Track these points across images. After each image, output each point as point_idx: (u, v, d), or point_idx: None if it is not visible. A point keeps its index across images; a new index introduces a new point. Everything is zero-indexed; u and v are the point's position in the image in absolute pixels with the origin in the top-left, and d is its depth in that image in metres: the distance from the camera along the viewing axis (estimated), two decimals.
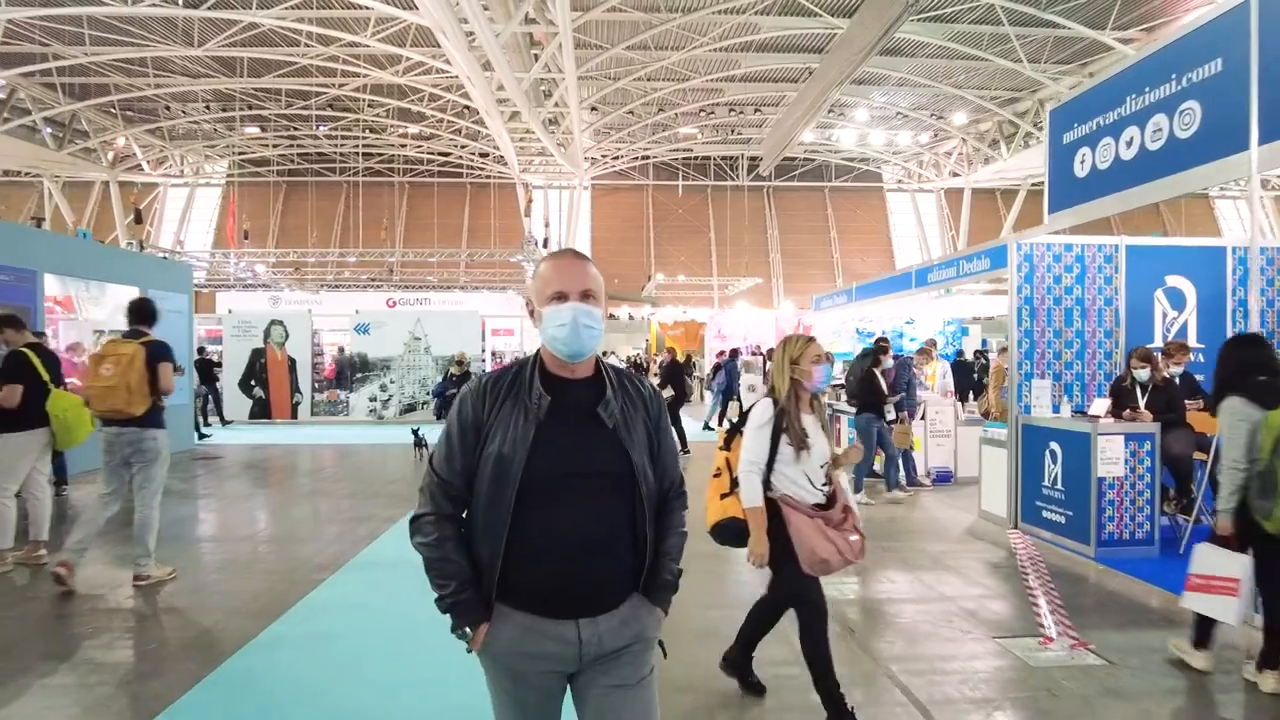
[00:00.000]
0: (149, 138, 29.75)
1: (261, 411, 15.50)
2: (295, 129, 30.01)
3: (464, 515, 1.82)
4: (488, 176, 35.07)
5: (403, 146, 32.21)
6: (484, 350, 17.93)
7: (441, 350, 15.91)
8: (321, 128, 29.79)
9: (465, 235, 35.74)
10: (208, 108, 27.35)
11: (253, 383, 15.32)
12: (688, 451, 11.30)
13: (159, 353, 5.14)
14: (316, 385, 15.59)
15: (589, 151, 31.06)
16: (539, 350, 1.87)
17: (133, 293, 9.46)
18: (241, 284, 29.79)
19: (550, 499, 1.72)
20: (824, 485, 3.27)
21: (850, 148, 33.20)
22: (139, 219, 26.94)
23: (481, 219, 36.02)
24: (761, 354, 13.56)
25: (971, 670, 3.84)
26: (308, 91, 25.53)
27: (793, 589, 3.24)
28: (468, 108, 24.83)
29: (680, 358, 16.72)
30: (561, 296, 1.78)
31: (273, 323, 14.80)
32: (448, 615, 1.76)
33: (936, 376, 9.85)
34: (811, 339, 3.32)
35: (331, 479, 9.79)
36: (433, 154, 33.05)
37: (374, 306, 24.32)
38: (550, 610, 1.74)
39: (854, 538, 3.20)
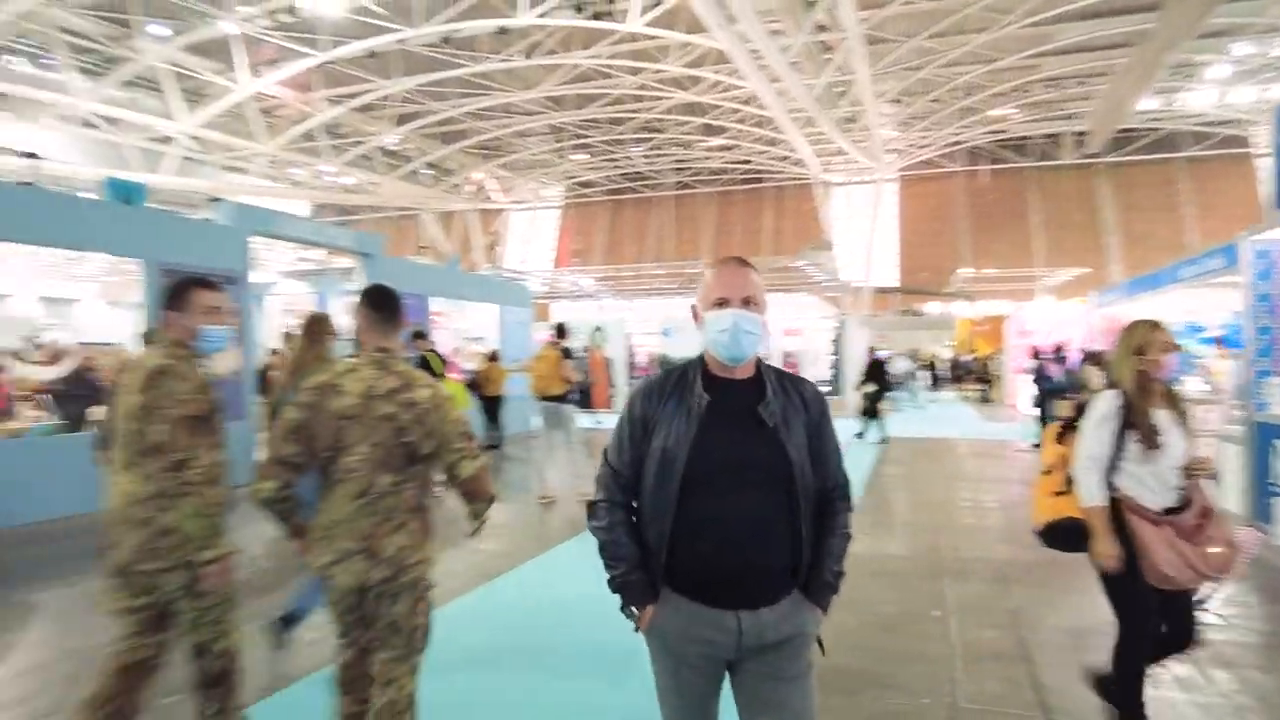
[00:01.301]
0: (500, 171, 34.98)
1: (584, 402, 18.00)
2: (615, 152, 33.30)
3: (634, 503, 1.95)
4: (788, 179, 35.80)
5: (708, 159, 34.15)
6: (768, 350, 18.87)
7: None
8: (637, 149, 32.71)
9: (767, 239, 36.82)
10: (543, 140, 31.52)
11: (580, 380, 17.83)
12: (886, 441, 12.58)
13: (565, 356, 7.91)
14: (631, 381, 17.86)
15: (892, 144, 30.40)
16: (703, 353, 1.97)
17: (491, 308, 12.30)
18: (570, 295, 33.80)
19: (711, 490, 1.81)
20: (1179, 487, 2.89)
21: (1206, 110, 28.53)
22: (494, 245, 31.97)
23: (785, 220, 36.83)
24: (1056, 354, 12.40)
25: None
26: (623, 117, 28.28)
27: (1121, 600, 2.93)
28: (765, 117, 25.82)
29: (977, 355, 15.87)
30: (724, 303, 1.87)
31: (595, 328, 16.97)
32: (618, 595, 1.90)
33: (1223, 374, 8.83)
34: (1157, 324, 2.96)
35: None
36: (735, 163, 34.58)
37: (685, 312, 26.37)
38: (711, 598, 1.83)
39: (1214, 549, 2.79)
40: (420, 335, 8.81)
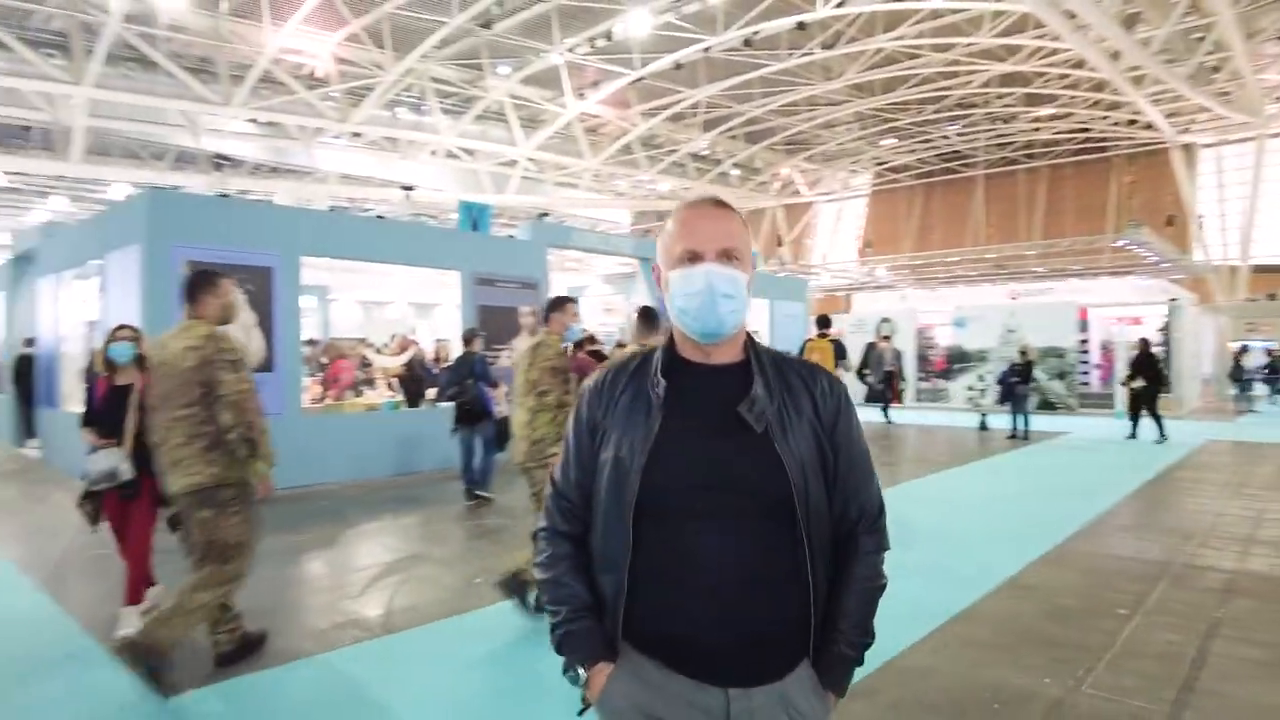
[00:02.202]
0: (805, 164, 35.10)
1: (872, 397, 17.59)
2: (928, 133, 31.67)
3: (585, 533, 1.51)
4: (1137, 146, 31.15)
5: (1036, 130, 31.00)
6: (1084, 341, 16.90)
7: (1034, 343, 15.69)
8: (951, 127, 30.80)
9: (1110, 215, 32.40)
10: (849, 129, 31.02)
11: (866, 371, 17.45)
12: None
13: (837, 347, 8.66)
14: (922, 375, 17.06)
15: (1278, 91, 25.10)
16: (671, 330, 1.51)
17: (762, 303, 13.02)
18: (868, 287, 32.95)
19: (681, 518, 1.38)
20: None
21: None
22: (779, 243, 32.30)
23: (1134, 193, 32.11)
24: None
25: None
26: (934, 97, 26.85)
27: None
28: (1102, 79, 22.93)
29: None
30: (693, 257, 1.41)
31: (882, 319, 16.59)
32: (560, 654, 1.48)
33: None
34: None
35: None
36: (1068, 133, 30.96)
37: (998, 300, 24.41)
38: (689, 667, 1.38)
39: None
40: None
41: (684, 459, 1.39)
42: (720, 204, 1.48)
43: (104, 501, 4.34)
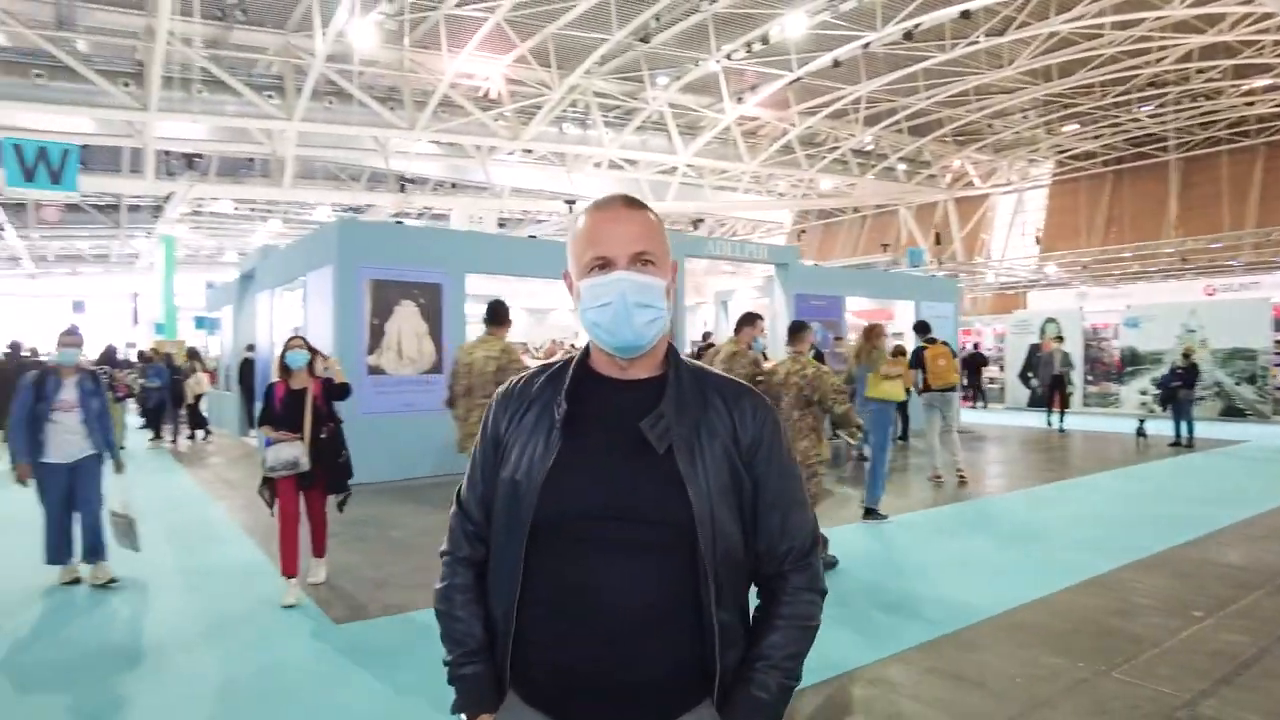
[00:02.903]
0: (978, 155, 33.38)
1: (1035, 401, 16.70)
2: (1116, 116, 29.23)
3: (488, 557, 1.41)
4: None
5: (1249, 105, 27.75)
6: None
7: (1219, 343, 14.26)
8: (1144, 108, 28.26)
9: None
10: (1025, 116, 29.23)
11: (1030, 374, 16.62)
12: None
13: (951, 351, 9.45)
14: (1090, 379, 15.97)
15: None
16: (589, 342, 1.42)
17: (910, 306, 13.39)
18: (1038, 284, 30.79)
19: (576, 547, 1.29)
20: None
21: None
22: (938, 240, 30.92)
23: None
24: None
25: None
26: (1122, 78, 24.82)
27: None
28: None
29: None
30: (604, 264, 1.31)
31: (1047, 320, 15.79)
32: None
33: None
34: None
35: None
36: None
37: (1190, 296, 22.24)
38: (576, 713, 1.30)
39: None
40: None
41: (584, 483, 1.29)
42: (632, 203, 1.36)
43: (278, 486, 5.23)
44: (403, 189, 21.90)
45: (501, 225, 30.82)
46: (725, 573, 1.29)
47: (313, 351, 5.43)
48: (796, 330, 6.02)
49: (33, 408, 5.50)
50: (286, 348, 5.41)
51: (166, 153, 21.47)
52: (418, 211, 28.70)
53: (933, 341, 9.20)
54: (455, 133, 21.52)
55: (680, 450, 1.29)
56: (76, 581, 5.67)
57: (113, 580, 5.61)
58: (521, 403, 1.40)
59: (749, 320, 6.22)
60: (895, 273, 22.37)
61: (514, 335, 17.12)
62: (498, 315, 5.92)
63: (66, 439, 5.58)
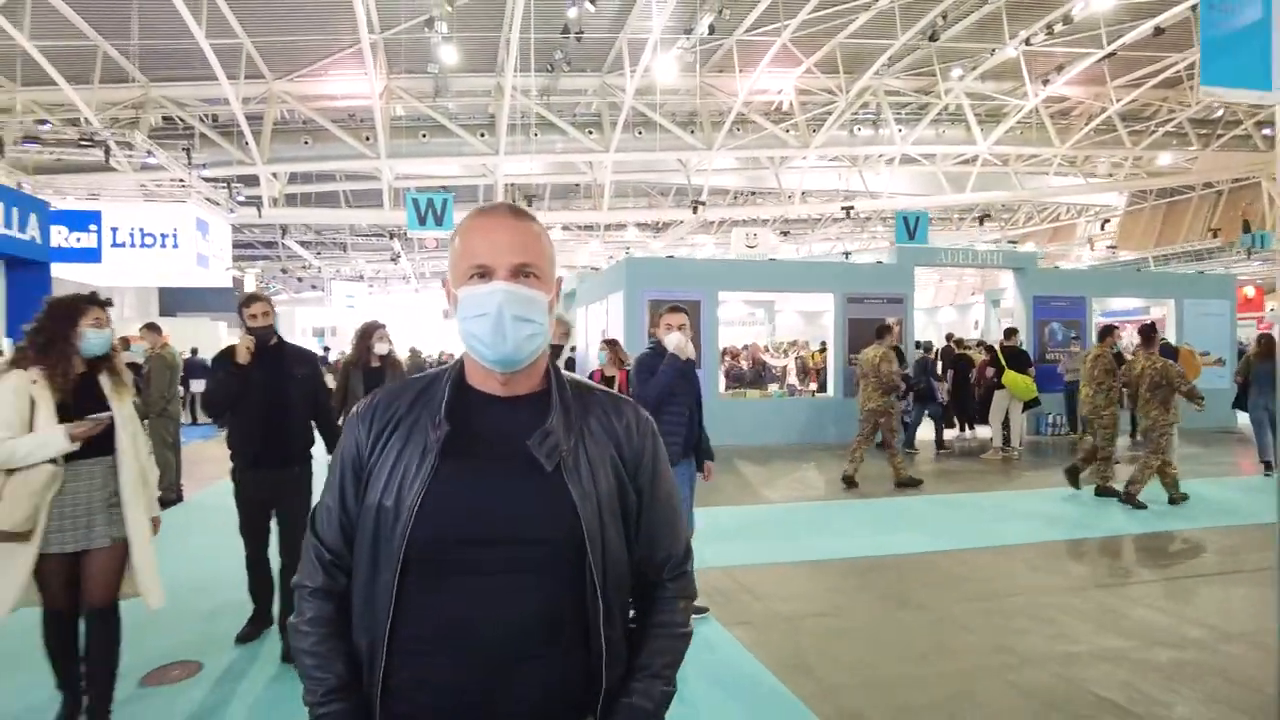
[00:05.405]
0: None
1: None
2: None
3: (349, 589, 1.33)
4: None
5: None
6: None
7: None
8: None
9: None
10: None
11: None
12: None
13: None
14: None
15: None
16: (463, 355, 1.37)
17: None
18: None
19: (455, 576, 1.23)
20: None
21: None
22: (1246, 229, 25.91)
23: None
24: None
25: None
26: None
27: None
28: None
29: None
30: (484, 273, 1.28)
31: None
32: None
33: None
34: None
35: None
36: None
37: None
38: None
39: None
40: (1075, 337, 12.02)
41: (463, 507, 1.25)
42: (517, 212, 1.33)
43: None
44: (695, 210, 24.26)
45: (784, 234, 32.11)
46: (613, 591, 1.30)
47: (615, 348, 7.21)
48: (1104, 333, 9.21)
49: None
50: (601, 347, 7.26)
51: (512, 184, 25.96)
52: (717, 222, 31.14)
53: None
54: (749, 148, 23.10)
55: (568, 467, 1.27)
56: None
57: None
58: (387, 421, 1.32)
59: (1108, 332, 9.25)
60: (1154, 271, 20.91)
61: (791, 334, 18.94)
62: (882, 333, 9.50)
63: None
